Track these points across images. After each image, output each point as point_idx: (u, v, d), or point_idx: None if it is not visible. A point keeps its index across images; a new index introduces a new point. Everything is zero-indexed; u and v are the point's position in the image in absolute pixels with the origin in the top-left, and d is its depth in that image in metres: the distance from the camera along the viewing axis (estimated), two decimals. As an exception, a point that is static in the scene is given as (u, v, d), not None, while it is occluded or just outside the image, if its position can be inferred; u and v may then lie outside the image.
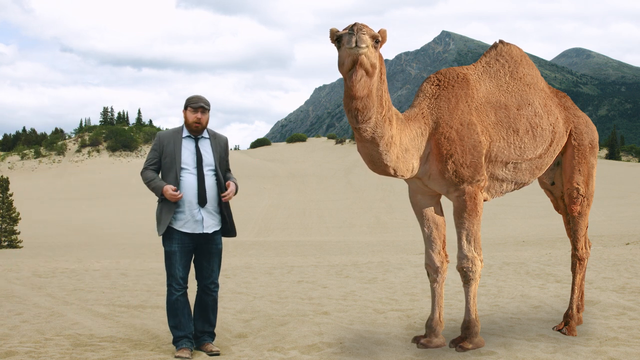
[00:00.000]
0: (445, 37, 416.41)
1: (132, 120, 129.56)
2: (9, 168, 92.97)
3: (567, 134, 5.39)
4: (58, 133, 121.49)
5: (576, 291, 5.53)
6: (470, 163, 4.65)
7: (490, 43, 5.62)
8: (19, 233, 28.24)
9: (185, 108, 4.87)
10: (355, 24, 3.93)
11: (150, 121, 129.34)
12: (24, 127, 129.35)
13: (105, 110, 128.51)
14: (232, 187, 4.82)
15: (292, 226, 41.16)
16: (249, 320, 6.11)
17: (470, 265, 4.73)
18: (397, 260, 13.04)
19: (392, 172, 4.50)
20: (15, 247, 27.07)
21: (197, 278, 4.95)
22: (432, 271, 5.02)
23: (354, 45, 3.88)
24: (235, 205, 5.01)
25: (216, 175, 4.85)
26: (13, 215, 28.59)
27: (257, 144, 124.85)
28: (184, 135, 4.89)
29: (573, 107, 5.58)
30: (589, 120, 5.62)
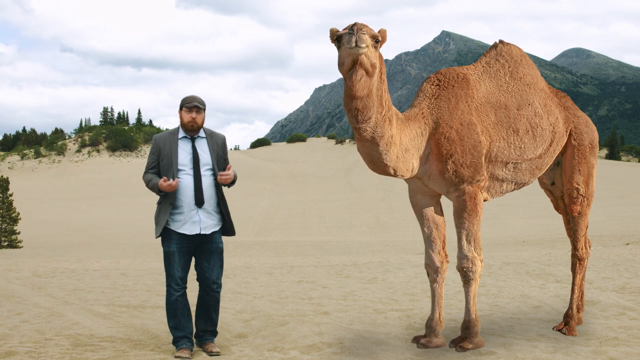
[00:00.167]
0: (445, 37, 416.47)
1: (132, 120, 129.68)
2: (9, 168, 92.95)
3: (567, 134, 5.39)
4: (58, 133, 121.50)
5: (576, 291, 5.53)
6: (470, 163, 4.65)
7: (490, 43, 5.63)
8: (19, 233, 28.23)
9: (180, 108, 4.86)
10: (355, 24, 3.93)
11: (150, 121, 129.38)
12: (24, 127, 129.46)
13: (105, 110, 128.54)
14: (231, 170, 4.79)
15: (292, 226, 41.16)
16: (249, 320, 6.11)
17: (470, 265, 4.73)
18: (397, 260, 13.04)
19: (392, 172, 4.50)
20: (15, 247, 27.07)
21: (198, 279, 4.94)
22: (432, 271, 5.02)
23: (354, 45, 3.88)
24: (235, 205, 5.01)
25: (214, 174, 4.84)
26: (13, 215, 28.59)
27: (257, 144, 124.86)
28: (180, 136, 4.88)
29: (573, 107, 5.58)
30: (589, 120, 5.62)
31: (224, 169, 4.93)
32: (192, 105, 4.81)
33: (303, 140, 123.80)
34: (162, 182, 4.64)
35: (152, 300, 7.48)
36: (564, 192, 5.52)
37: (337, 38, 4.03)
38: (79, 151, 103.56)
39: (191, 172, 4.78)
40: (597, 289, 7.73)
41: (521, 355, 4.61)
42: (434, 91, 4.85)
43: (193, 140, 4.87)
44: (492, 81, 5.08)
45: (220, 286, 4.93)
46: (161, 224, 4.78)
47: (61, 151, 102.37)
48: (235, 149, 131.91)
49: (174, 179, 4.68)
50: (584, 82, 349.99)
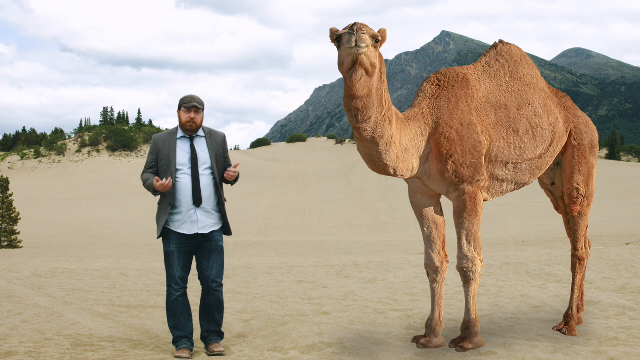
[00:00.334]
0: (445, 37, 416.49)
1: (132, 120, 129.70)
2: (9, 168, 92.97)
3: (567, 134, 5.39)
4: (58, 133, 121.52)
5: (576, 291, 5.53)
6: (470, 163, 4.65)
7: (490, 43, 5.63)
8: (19, 233, 28.24)
9: (179, 108, 4.86)
10: (355, 24, 3.93)
11: (150, 121, 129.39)
12: (23, 127, 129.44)
13: (105, 110, 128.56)
14: (237, 169, 4.78)
15: (292, 226, 41.15)
16: (249, 320, 6.11)
17: (470, 265, 4.73)
18: (397, 260, 13.04)
19: (391, 171, 4.49)
20: (15, 247, 27.07)
21: (199, 278, 4.93)
22: (432, 271, 5.02)
23: (354, 44, 3.88)
24: (235, 205, 5.02)
25: (213, 173, 4.83)
26: (13, 215, 28.60)
27: (257, 144, 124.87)
28: (178, 136, 4.88)
29: (573, 107, 5.58)
30: (589, 120, 5.62)
31: (225, 168, 4.93)
32: (190, 106, 4.81)
33: (303, 140, 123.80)
34: (156, 182, 4.64)
35: (152, 300, 7.48)
36: (564, 192, 5.52)
37: (337, 38, 4.03)
38: (79, 151, 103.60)
39: (189, 171, 4.77)
40: (597, 289, 7.73)
41: (521, 355, 4.61)
42: (434, 91, 4.85)
43: (192, 139, 4.87)
44: (492, 81, 5.08)
45: (220, 285, 4.91)
46: (161, 224, 4.79)
47: (61, 151, 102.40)
48: (235, 149, 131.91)
49: (167, 180, 4.67)
50: (584, 82, 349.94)
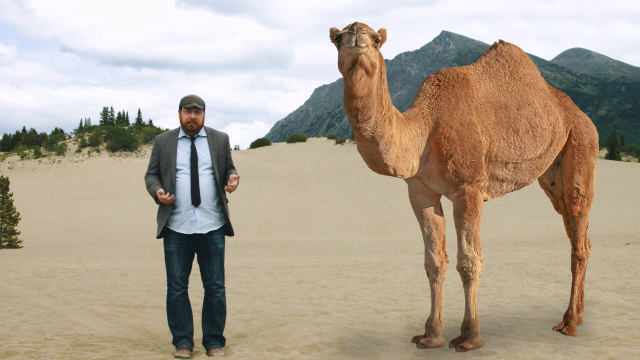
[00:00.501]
0: (445, 37, 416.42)
1: (132, 120, 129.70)
2: (9, 168, 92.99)
3: (567, 134, 5.39)
4: (58, 133, 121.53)
5: (576, 291, 5.53)
6: (470, 163, 4.65)
7: (490, 43, 5.63)
8: (19, 233, 28.24)
9: (180, 108, 4.85)
10: (355, 23, 3.93)
11: (150, 121, 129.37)
12: (23, 127, 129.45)
13: (105, 110, 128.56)
14: (235, 182, 4.76)
15: (292, 226, 41.15)
16: (249, 320, 6.11)
17: (470, 265, 4.73)
18: (397, 260, 13.04)
19: (391, 171, 4.49)
20: (15, 247, 27.07)
21: (202, 279, 4.94)
22: (432, 271, 5.02)
23: (354, 44, 3.88)
24: (235, 205, 5.00)
25: (213, 174, 4.82)
26: (13, 215, 28.60)
27: (257, 144, 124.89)
28: (179, 136, 4.87)
29: (573, 107, 5.58)
30: (589, 120, 5.62)
31: (227, 168, 4.91)
32: (191, 106, 4.80)
33: (303, 140, 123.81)
34: (159, 194, 4.65)
35: (152, 300, 7.48)
36: (564, 192, 5.52)
37: (337, 38, 4.03)
38: (79, 151, 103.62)
39: (189, 171, 4.77)
40: (597, 289, 7.73)
41: (521, 355, 4.61)
42: (434, 91, 4.85)
43: (193, 139, 4.86)
44: (492, 81, 5.08)
45: (221, 287, 4.90)
46: (161, 224, 4.79)
47: (61, 151, 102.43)
48: (236, 149, 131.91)
49: (170, 189, 4.70)
50: (584, 82, 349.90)
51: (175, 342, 4.81)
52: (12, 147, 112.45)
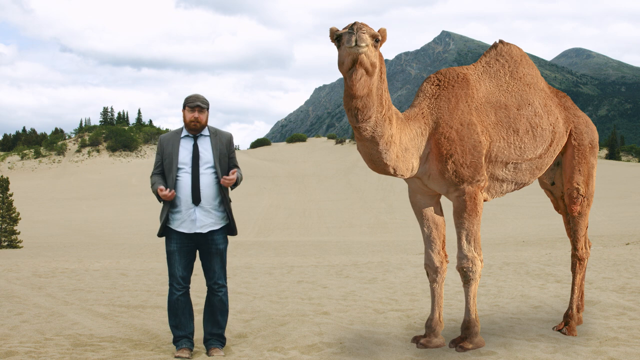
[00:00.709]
0: (445, 37, 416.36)
1: (132, 120, 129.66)
2: (9, 168, 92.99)
3: (567, 134, 5.39)
4: (58, 133, 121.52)
5: (576, 291, 5.53)
6: (470, 163, 4.65)
7: (490, 43, 5.63)
8: (19, 233, 28.24)
9: (184, 107, 4.86)
10: (355, 23, 3.93)
11: (150, 121, 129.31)
12: (23, 127, 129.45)
13: (105, 110, 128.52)
14: (233, 176, 4.73)
15: (292, 226, 41.16)
16: (249, 320, 6.11)
17: (470, 265, 4.73)
18: (397, 260, 13.04)
19: (391, 171, 4.49)
20: (15, 247, 27.07)
21: (205, 278, 4.94)
22: (432, 271, 5.02)
23: (353, 44, 3.88)
24: (235, 205, 4.99)
25: (215, 173, 4.81)
26: (13, 215, 28.60)
27: (257, 144, 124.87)
28: (182, 135, 4.88)
29: (573, 107, 5.58)
30: (589, 120, 5.62)
31: (228, 168, 4.91)
32: (194, 105, 4.80)
33: (303, 140, 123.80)
34: (160, 190, 4.65)
35: (152, 300, 7.48)
36: (564, 192, 5.52)
37: (337, 37, 4.03)
38: (79, 151, 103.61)
39: (190, 170, 4.77)
40: (597, 289, 7.73)
41: (521, 355, 4.61)
42: (434, 91, 4.85)
43: (195, 138, 4.86)
44: (492, 81, 5.08)
45: (222, 286, 4.89)
46: (162, 222, 4.80)
47: (61, 151, 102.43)
48: (236, 149, 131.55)
49: (172, 188, 4.70)
50: (584, 82, 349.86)
51: (175, 341, 4.81)
52: (12, 147, 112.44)
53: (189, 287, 4.88)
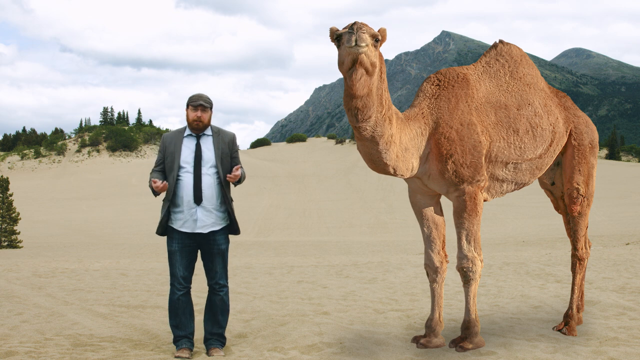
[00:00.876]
0: (445, 37, 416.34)
1: (132, 120, 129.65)
2: (9, 168, 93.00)
3: (567, 134, 5.39)
4: (58, 133, 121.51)
5: (576, 291, 5.53)
6: (470, 163, 4.65)
7: (490, 43, 5.63)
8: (19, 233, 28.24)
9: (187, 106, 4.86)
10: (355, 23, 3.93)
11: (150, 121, 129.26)
12: (23, 127, 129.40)
13: (105, 110, 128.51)
14: (237, 172, 4.72)
15: (292, 226, 41.16)
16: (249, 320, 6.11)
17: (470, 266, 4.73)
18: (397, 260, 13.04)
19: (391, 171, 4.49)
20: (15, 247, 27.07)
21: (206, 278, 4.94)
22: (432, 271, 5.02)
23: (353, 44, 3.87)
24: (235, 205, 4.98)
25: (217, 172, 4.80)
26: (13, 215, 28.60)
27: (257, 144, 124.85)
28: (185, 134, 4.87)
29: (573, 107, 5.58)
30: (589, 120, 5.62)
31: (231, 167, 4.91)
32: (197, 104, 4.80)
33: (303, 140, 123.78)
34: (153, 182, 4.66)
35: (152, 300, 7.48)
36: (564, 192, 5.52)
37: (337, 37, 4.03)
38: (79, 151, 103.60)
39: (192, 169, 4.76)
40: (597, 289, 7.73)
41: (521, 355, 4.61)
42: (434, 91, 4.85)
43: (198, 138, 4.86)
44: (492, 81, 5.08)
45: (223, 286, 4.90)
46: (161, 222, 4.80)
47: (61, 151, 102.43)
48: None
49: (173, 187, 4.70)
50: (584, 82, 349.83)
51: (175, 341, 4.81)
52: (12, 147, 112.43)
53: (190, 287, 4.88)
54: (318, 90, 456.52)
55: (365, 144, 4.35)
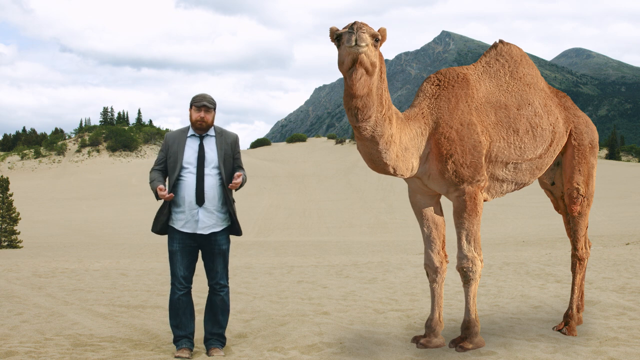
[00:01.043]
0: (445, 37, 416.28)
1: (132, 120, 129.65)
2: (9, 168, 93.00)
3: (567, 134, 5.39)
4: (58, 133, 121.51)
5: (576, 291, 5.53)
6: (470, 163, 4.65)
7: (490, 43, 5.63)
8: (19, 233, 28.23)
9: (190, 107, 4.85)
10: (355, 23, 3.93)
11: (150, 121, 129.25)
12: (23, 127, 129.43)
13: (105, 110, 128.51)
14: (238, 180, 4.73)
15: (292, 226, 41.16)
16: (249, 320, 6.11)
17: (470, 266, 4.73)
18: (397, 260, 13.04)
19: (391, 170, 4.49)
20: (15, 247, 27.07)
21: (207, 277, 4.94)
22: (432, 271, 5.02)
23: (353, 43, 3.87)
24: (235, 205, 4.98)
25: (220, 174, 4.80)
26: (13, 215, 28.60)
27: (257, 144, 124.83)
28: (189, 134, 4.86)
29: (573, 107, 5.58)
30: (589, 120, 5.62)
31: (232, 169, 4.90)
32: (201, 104, 4.79)
33: (303, 140, 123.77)
34: (159, 190, 4.65)
35: (152, 300, 7.48)
36: (564, 192, 5.52)
37: (337, 37, 4.03)
38: (79, 151, 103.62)
39: (195, 170, 4.75)
40: (597, 289, 7.73)
41: (521, 355, 4.61)
42: (434, 91, 4.85)
43: (201, 138, 4.85)
44: (492, 81, 5.08)
45: (224, 287, 4.89)
46: (159, 220, 4.80)
47: (61, 151, 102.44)
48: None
49: (174, 187, 4.70)
50: (584, 82, 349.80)
51: (175, 341, 4.81)
52: (12, 147, 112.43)
53: (190, 287, 4.87)
54: (318, 90, 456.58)
55: (365, 143, 4.35)
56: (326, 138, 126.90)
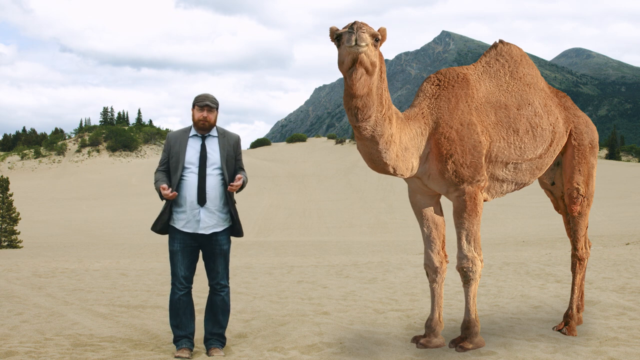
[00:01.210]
0: (445, 37, 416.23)
1: (132, 120, 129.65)
2: (9, 168, 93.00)
3: (567, 134, 5.39)
4: (58, 133, 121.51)
5: (576, 291, 5.53)
6: (470, 163, 4.65)
7: (490, 43, 5.63)
8: (19, 233, 28.23)
9: (193, 106, 4.85)
10: (355, 22, 3.93)
11: (150, 121, 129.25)
12: (23, 127, 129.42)
13: (105, 110, 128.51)
14: (239, 182, 4.73)
15: (292, 226, 41.16)
16: (249, 320, 6.11)
17: (470, 266, 4.73)
18: (397, 260, 13.04)
19: (391, 170, 4.49)
20: (15, 247, 27.07)
21: (207, 278, 4.94)
22: (431, 271, 5.02)
23: (353, 43, 3.87)
24: (236, 205, 4.98)
25: (222, 174, 4.80)
26: (13, 215, 28.60)
27: (257, 144, 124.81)
28: (191, 134, 4.85)
29: (573, 107, 5.58)
30: (589, 120, 5.63)
31: (234, 170, 4.89)
32: (203, 104, 4.78)
33: (303, 140, 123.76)
34: (162, 189, 4.65)
35: (152, 300, 7.48)
36: (564, 192, 5.52)
37: (337, 37, 4.03)
38: (79, 151, 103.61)
39: (197, 170, 4.75)
40: (597, 289, 7.73)
41: (521, 355, 4.60)
42: (434, 91, 4.85)
43: (203, 138, 4.85)
44: (492, 81, 5.08)
45: (224, 287, 4.89)
46: (160, 219, 4.79)
47: (61, 151, 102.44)
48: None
49: (176, 187, 4.70)
50: (584, 82, 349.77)
51: (175, 341, 4.81)
52: (12, 147, 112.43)
53: (191, 287, 4.87)
54: (318, 90, 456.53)
55: (365, 143, 4.35)
56: (326, 138, 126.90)
